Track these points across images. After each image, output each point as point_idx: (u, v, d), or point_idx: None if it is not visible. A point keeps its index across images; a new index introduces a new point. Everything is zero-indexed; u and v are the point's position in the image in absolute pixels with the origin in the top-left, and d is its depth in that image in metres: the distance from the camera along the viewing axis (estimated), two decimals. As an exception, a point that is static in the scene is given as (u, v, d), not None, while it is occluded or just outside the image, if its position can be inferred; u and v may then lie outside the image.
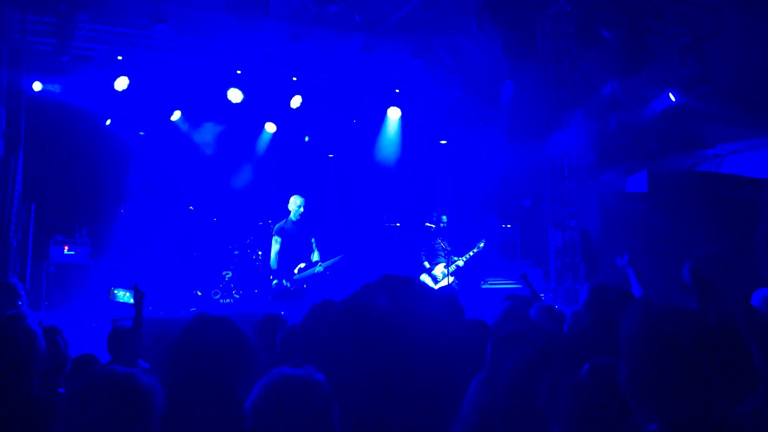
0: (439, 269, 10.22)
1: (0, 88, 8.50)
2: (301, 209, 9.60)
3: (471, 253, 10.19)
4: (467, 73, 12.83)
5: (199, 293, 11.42)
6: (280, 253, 9.52)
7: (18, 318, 3.16)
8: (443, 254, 10.22)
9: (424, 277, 10.18)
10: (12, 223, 8.35)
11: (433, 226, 10.51)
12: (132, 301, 5.11)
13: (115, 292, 8.54)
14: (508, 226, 12.70)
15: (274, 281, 9.58)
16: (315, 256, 9.63)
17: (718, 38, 10.36)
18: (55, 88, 10.50)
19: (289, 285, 9.49)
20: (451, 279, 9.99)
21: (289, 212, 9.72)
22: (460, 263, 10.13)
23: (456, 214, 11.90)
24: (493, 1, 8.94)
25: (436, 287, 9.68)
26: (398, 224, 13.01)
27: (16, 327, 2.92)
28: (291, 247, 9.56)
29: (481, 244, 10.23)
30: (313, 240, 9.70)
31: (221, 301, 11.59)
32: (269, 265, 9.77)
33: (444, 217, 10.54)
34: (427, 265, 10.36)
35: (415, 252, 11.07)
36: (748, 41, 10.54)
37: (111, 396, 2.08)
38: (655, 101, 11.42)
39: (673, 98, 11.04)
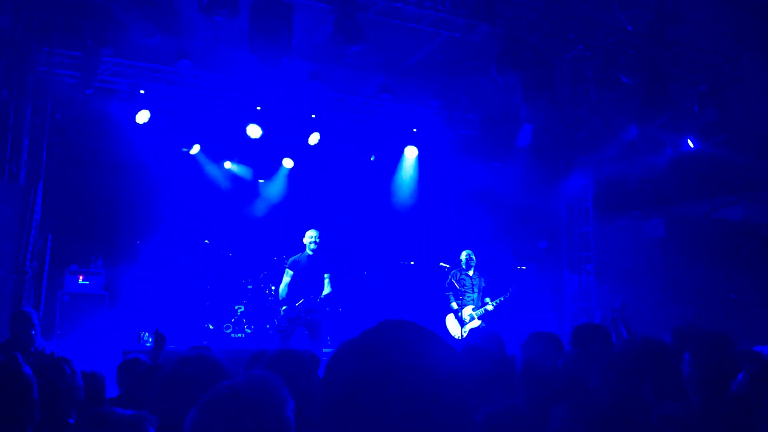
0: (467, 311, 9.70)
1: (24, 119, 8.63)
2: (313, 245, 9.02)
3: (501, 299, 9.57)
4: (485, 113, 12.91)
5: (211, 327, 11.39)
6: (290, 285, 9.04)
7: (12, 364, 3.01)
8: (474, 294, 9.69)
9: (449, 318, 9.81)
10: (29, 252, 8.39)
11: (448, 266, 10.18)
12: (150, 343, 5.22)
13: (142, 335, 8.60)
14: (524, 267, 12.60)
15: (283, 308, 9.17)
16: (326, 290, 9.17)
17: (737, 85, 10.36)
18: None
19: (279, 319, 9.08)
20: (479, 322, 9.49)
21: (305, 246, 9.15)
22: (490, 308, 9.54)
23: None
24: (513, 44, 8.99)
25: (465, 329, 9.48)
26: (412, 262, 12.95)
27: (11, 373, 2.76)
28: (303, 281, 9.05)
29: (508, 294, 9.59)
30: (327, 276, 9.07)
31: (233, 335, 11.54)
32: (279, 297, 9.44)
33: (464, 254, 9.84)
34: (455, 306, 9.67)
35: (430, 291, 10.81)
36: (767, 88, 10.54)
37: None
38: (673, 147, 11.38)
39: (691, 144, 11.00)
